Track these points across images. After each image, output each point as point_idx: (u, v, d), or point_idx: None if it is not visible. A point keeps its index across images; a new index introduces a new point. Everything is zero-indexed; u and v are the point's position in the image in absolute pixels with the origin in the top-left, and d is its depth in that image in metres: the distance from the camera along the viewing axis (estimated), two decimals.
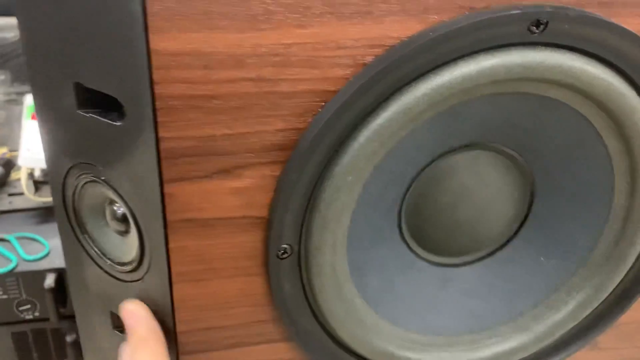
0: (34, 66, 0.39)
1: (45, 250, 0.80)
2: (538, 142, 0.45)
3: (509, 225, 0.50)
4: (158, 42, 0.32)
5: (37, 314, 0.80)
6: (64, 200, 0.44)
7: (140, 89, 0.34)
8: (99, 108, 0.38)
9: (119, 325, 0.47)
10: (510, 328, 0.51)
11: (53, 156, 0.43)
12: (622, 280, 0.50)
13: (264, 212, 0.40)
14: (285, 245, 0.41)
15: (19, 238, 0.82)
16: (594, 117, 0.43)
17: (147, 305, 0.43)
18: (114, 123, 0.37)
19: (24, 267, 0.77)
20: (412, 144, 0.42)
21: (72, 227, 0.45)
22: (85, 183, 0.42)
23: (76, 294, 0.49)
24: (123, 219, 0.43)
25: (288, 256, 0.41)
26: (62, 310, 0.79)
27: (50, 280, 0.76)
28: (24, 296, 0.78)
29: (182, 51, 0.33)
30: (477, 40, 0.37)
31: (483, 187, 0.48)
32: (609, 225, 0.48)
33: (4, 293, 0.77)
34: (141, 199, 0.39)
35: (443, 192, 0.47)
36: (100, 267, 0.45)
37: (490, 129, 0.44)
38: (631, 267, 0.49)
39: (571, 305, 0.50)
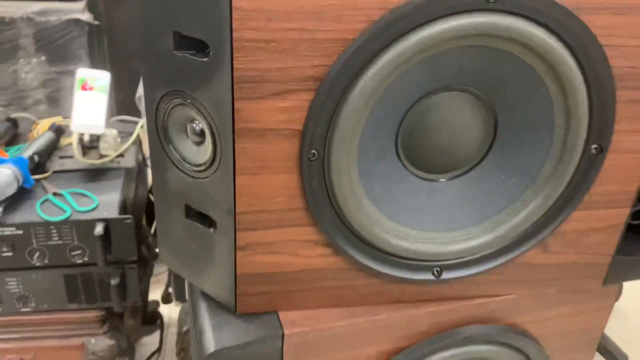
0: (143, 19, 0.56)
1: (95, 203, 0.90)
2: (499, 85, 0.60)
3: (479, 150, 0.64)
4: (238, 2, 0.49)
5: (86, 259, 0.89)
6: (156, 120, 0.61)
7: (224, 34, 0.51)
8: (188, 50, 0.55)
9: (190, 215, 0.64)
10: (479, 229, 0.66)
11: (151, 86, 0.59)
12: (563, 192, 0.65)
13: (300, 126, 0.56)
14: (314, 151, 0.57)
15: (71, 193, 0.93)
16: (537, 65, 0.58)
17: (214, 194, 0.60)
18: (202, 59, 0.54)
19: (76, 217, 0.87)
20: (405, 83, 0.57)
21: (160, 140, 0.62)
22: (174, 106, 0.59)
23: (158, 193, 0.66)
24: (200, 133, 0.60)
25: (316, 159, 0.58)
26: (108, 256, 0.88)
27: (99, 229, 0.85)
28: (76, 242, 0.88)
29: (253, 8, 0.50)
30: (451, 5, 0.53)
31: (459, 119, 0.62)
32: (552, 149, 0.62)
33: (60, 239, 0.87)
34: (217, 113, 0.55)
35: (429, 122, 0.62)
36: (180, 169, 0.62)
37: (463, 74, 0.59)
38: (569, 181, 0.64)
39: (525, 212, 0.65)
